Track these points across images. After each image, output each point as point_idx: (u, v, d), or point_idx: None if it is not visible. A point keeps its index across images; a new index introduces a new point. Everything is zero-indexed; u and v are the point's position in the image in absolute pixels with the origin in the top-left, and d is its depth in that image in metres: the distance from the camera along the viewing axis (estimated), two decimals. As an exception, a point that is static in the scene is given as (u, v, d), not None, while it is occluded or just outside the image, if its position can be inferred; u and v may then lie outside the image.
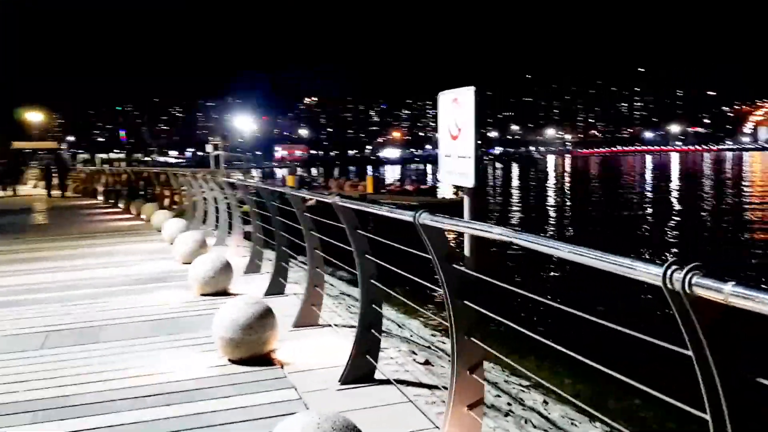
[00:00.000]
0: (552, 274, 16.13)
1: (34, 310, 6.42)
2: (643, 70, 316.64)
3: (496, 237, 2.40)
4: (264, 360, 4.58)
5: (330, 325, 5.44)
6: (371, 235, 4.06)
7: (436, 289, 2.97)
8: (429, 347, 6.08)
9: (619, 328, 1.91)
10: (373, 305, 4.10)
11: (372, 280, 4.06)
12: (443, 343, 6.56)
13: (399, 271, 3.65)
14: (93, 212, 18.70)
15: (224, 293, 6.89)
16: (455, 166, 3.28)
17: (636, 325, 1.82)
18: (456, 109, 3.85)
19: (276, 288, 6.82)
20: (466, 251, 3.47)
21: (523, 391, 5.44)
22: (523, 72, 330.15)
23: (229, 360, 4.58)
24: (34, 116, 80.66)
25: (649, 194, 46.13)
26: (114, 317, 6.02)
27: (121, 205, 19.20)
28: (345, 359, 4.18)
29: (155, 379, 4.29)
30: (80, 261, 9.42)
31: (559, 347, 2.29)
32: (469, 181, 3.68)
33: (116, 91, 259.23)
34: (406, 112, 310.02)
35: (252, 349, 4.52)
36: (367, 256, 4.04)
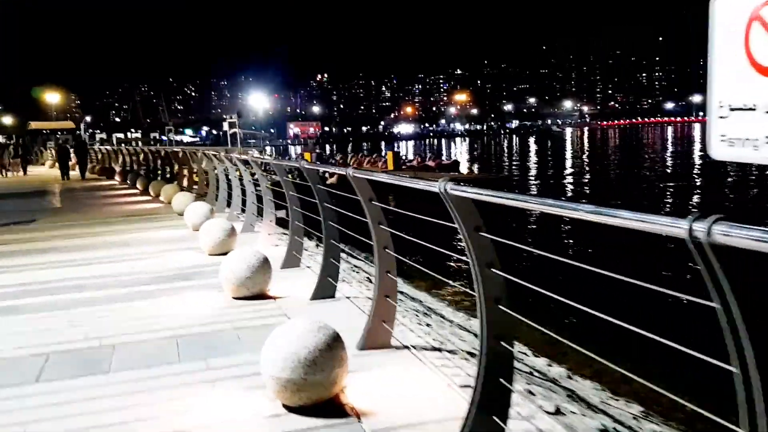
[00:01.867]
0: (581, 240, 15.30)
1: (34, 321, 5.28)
2: (662, 39, 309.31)
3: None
4: (332, 407, 3.34)
5: (407, 348, 4.20)
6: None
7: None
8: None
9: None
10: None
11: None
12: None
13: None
14: (110, 194, 17.62)
15: (262, 296, 5.71)
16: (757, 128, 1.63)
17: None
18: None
19: (325, 290, 5.59)
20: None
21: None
22: (538, 43, 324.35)
23: (285, 407, 3.35)
24: (52, 96, 79.90)
25: (668, 166, 44.26)
26: (130, 332, 4.84)
27: (139, 186, 18.09)
28: (440, 398, 3.33)
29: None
30: (93, 253, 8.29)
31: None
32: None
33: (132, 71, 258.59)
34: (418, 86, 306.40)
35: (317, 394, 3.28)
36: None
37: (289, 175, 7.60)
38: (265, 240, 8.24)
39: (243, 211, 10.69)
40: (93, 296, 6.00)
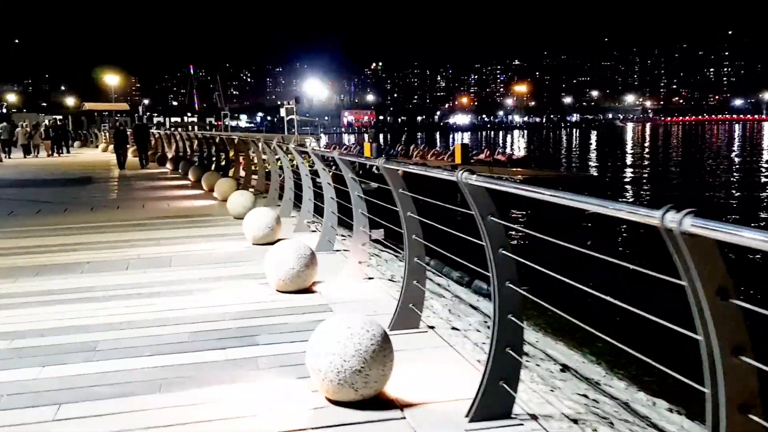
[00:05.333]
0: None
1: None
2: (731, 32, 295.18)
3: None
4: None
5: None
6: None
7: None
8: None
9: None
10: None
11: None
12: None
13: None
14: (157, 185, 15.67)
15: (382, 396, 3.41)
16: None
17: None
18: None
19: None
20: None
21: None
22: (600, 35, 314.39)
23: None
24: (111, 78, 79.86)
25: (735, 167, 40.11)
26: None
27: (191, 176, 16.11)
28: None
29: None
30: (123, 278, 6.12)
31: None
32: None
33: (189, 56, 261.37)
34: (474, 76, 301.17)
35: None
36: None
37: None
38: (355, 271, 5.90)
39: (299, 207, 8.42)
40: (117, 366, 3.77)
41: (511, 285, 2.96)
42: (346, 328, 3.23)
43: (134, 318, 4.82)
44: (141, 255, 7.15)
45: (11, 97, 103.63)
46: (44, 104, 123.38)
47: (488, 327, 4.90)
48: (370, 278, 5.89)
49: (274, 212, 7.82)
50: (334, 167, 7.34)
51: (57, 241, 8.10)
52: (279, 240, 7.78)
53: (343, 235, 7.90)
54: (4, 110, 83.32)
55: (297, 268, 5.35)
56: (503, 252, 2.96)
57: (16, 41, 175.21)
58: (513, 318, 2.97)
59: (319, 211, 8.81)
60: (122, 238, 8.26)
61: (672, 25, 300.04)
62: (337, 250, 7.18)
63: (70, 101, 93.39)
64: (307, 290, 5.49)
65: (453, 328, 4.50)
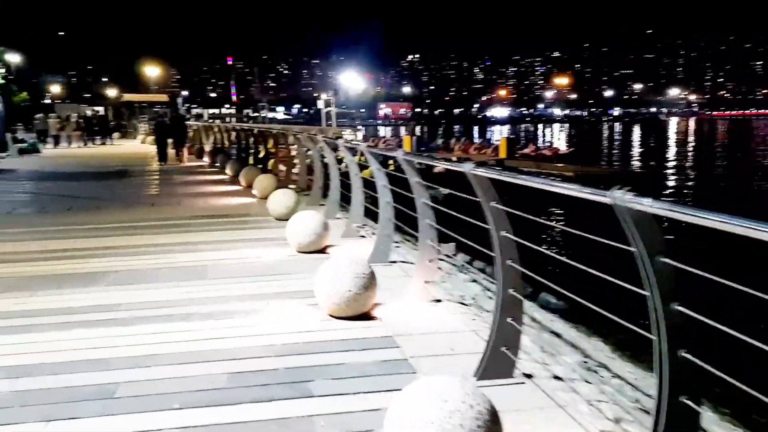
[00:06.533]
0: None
1: None
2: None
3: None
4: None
5: None
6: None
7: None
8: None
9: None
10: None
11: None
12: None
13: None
14: (194, 179, 15.03)
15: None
16: None
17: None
18: None
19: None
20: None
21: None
22: (643, 26, 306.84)
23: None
24: (152, 70, 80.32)
25: None
26: None
27: (229, 170, 15.43)
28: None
29: None
30: (152, 292, 5.36)
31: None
32: None
33: (228, 48, 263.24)
34: (513, 68, 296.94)
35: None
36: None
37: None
38: (420, 292, 5.02)
39: (344, 207, 7.57)
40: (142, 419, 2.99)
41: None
42: (441, 402, 2.36)
43: (162, 350, 4.02)
44: (174, 263, 6.40)
45: (55, 89, 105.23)
46: (87, 95, 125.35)
47: (596, 373, 4.02)
48: (437, 300, 5.01)
49: (320, 216, 6.98)
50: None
51: (85, 244, 7.41)
52: (326, 247, 6.97)
53: (396, 242, 7.03)
54: (48, 101, 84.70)
55: (354, 290, 4.50)
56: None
57: (61, 33, 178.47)
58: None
59: (367, 213, 7.98)
60: (155, 241, 7.53)
61: (718, 17, 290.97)
62: (393, 262, 6.32)
63: (111, 92, 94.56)
64: (366, 316, 4.63)
65: (555, 377, 3.59)
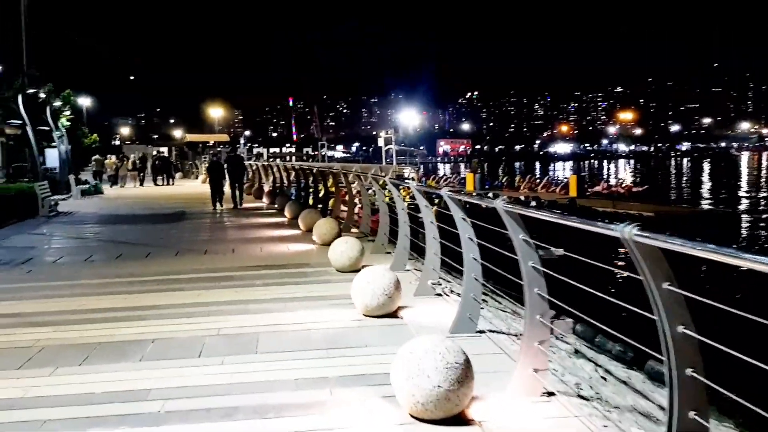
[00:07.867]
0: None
1: None
2: None
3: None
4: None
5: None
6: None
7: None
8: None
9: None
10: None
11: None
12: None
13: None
14: (251, 223, 14.28)
15: None
16: None
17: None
18: None
19: None
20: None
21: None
22: (710, 60, 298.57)
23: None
24: (216, 111, 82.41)
25: None
26: None
27: (287, 213, 14.65)
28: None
29: None
30: (192, 371, 4.38)
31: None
32: None
33: (289, 89, 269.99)
34: (574, 104, 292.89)
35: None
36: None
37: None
38: (527, 385, 3.85)
39: (412, 255, 6.44)
40: None
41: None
42: None
43: (192, 472, 3.00)
44: (221, 330, 5.44)
45: (125, 130, 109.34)
46: (155, 136, 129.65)
47: None
48: (550, 393, 3.84)
49: (391, 274, 5.92)
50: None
51: (125, 302, 6.57)
52: (398, 309, 5.90)
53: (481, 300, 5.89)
54: (118, 142, 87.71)
55: (445, 387, 3.39)
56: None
57: (132, 78, 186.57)
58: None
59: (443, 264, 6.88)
60: (203, 299, 6.63)
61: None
62: (481, 332, 5.18)
63: (177, 133, 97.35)
64: (460, 419, 3.51)
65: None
